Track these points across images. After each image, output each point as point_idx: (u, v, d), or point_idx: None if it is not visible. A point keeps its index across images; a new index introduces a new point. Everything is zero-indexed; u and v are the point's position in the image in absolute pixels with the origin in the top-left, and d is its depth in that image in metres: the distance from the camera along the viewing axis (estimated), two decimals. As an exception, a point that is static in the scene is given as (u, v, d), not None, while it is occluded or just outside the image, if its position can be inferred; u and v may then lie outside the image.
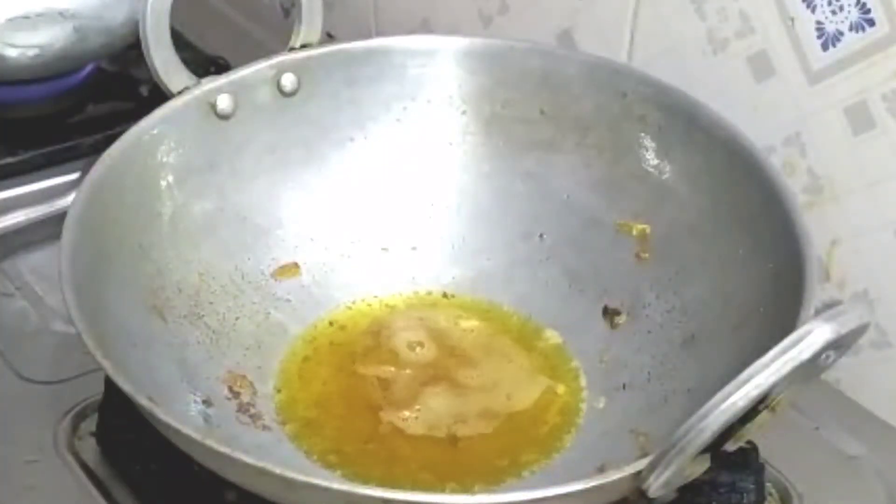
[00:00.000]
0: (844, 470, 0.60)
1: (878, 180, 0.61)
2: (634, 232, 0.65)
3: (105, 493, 0.57)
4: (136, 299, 0.58)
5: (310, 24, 0.67)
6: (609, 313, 0.64)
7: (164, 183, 0.62)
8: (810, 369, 0.43)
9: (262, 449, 0.57)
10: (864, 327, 0.43)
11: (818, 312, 0.44)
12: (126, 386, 0.48)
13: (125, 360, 0.53)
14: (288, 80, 0.66)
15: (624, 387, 0.61)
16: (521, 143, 0.68)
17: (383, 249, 0.68)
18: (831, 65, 0.61)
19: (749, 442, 0.54)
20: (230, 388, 0.60)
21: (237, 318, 0.63)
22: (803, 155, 0.64)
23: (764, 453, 0.57)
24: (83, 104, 0.83)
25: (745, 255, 0.59)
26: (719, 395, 0.43)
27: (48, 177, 0.77)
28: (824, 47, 0.61)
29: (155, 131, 0.62)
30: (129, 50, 0.80)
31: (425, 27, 0.85)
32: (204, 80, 0.64)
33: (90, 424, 0.60)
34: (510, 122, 0.68)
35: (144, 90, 0.84)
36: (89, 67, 0.83)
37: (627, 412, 0.59)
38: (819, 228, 0.62)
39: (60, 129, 0.80)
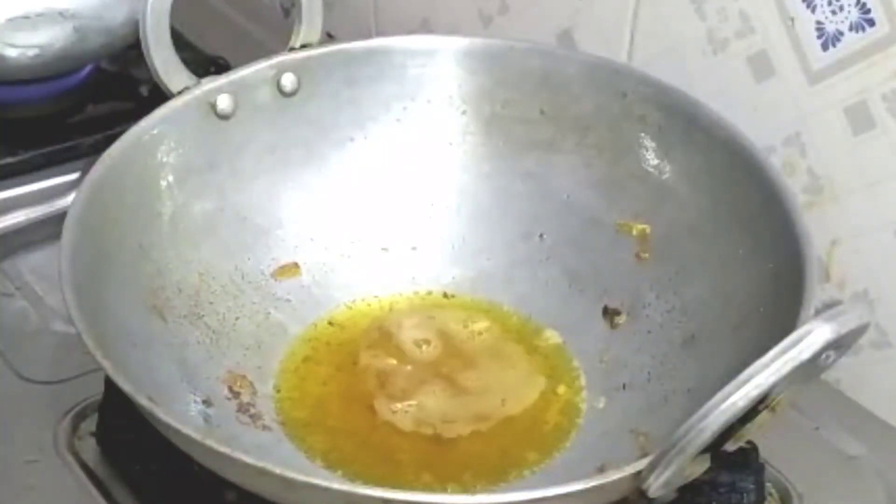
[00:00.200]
0: (844, 470, 0.60)
1: (878, 180, 0.61)
2: (634, 232, 0.65)
3: (105, 493, 0.57)
4: (136, 299, 0.58)
5: (310, 24, 0.67)
6: (609, 313, 0.64)
7: (164, 183, 0.62)
8: (810, 369, 0.43)
9: (262, 449, 0.57)
10: (864, 327, 0.43)
11: (818, 312, 0.44)
12: (126, 386, 0.48)
13: (125, 360, 0.53)
14: (288, 80, 0.66)
15: (624, 387, 0.61)
16: (521, 143, 0.68)
17: (383, 249, 0.68)
18: (831, 65, 0.61)
19: (749, 442, 0.54)
20: (230, 388, 0.60)
21: (237, 318, 0.63)
22: (803, 155, 0.64)
23: (764, 453, 0.57)
24: (83, 104, 0.83)
25: (745, 255, 0.59)
26: (719, 395, 0.43)
27: (48, 177, 0.77)
28: (824, 47, 0.61)
29: (155, 131, 0.62)
30: (129, 50, 0.80)
31: (425, 27, 0.85)
32: (204, 80, 0.64)
33: (90, 424, 0.60)
34: (510, 122, 0.68)
35: (144, 90, 0.84)
36: (89, 67, 0.83)
37: (627, 412, 0.59)
38: (819, 228, 0.62)
39: (60, 129, 0.80)
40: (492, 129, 0.69)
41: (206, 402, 0.58)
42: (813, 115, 0.63)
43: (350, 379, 0.62)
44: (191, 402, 0.57)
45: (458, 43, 0.68)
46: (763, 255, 0.58)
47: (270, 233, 0.66)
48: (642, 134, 0.65)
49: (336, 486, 0.46)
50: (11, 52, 0.76)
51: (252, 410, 0.59)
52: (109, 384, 0.58)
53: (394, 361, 0.63)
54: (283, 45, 0.67)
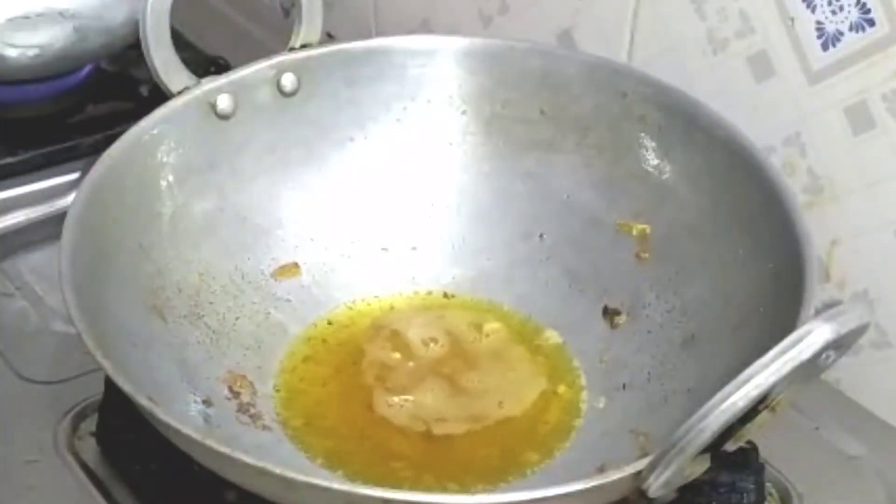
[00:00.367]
0: (844, 470, 0.60)
1: (878, 180, 0.61)
2: (634, 232, 0.65)
3: (105, 493, 0.57)
4: (136, 299, 0.58)
5: (310, 24, 0.67)
6: (609, 313, 0.64)
7: (164, 183, 0.62)
8: (810, 369, 0.43)
9: (262, 449, 0.57)
10: (864, 327, 0.43)
11: (818, 312, 0.44)
12: (126, 386, 0.48)
13: (125, 360, 0.53)
14: (288, 80, 0.66)
15: (624, 387, 0.61)
16: (521, 143, 0.68)
17: (383, 249, 0.68)
18: (831, 65, 0.61)
19: (749, 442, 0.54)
20: (230, 388, 0.60)
21: (237, 318, 0.63)
22: (803, 155, 0.64)
23: (764, 453, 0.57)
24: (83, 104, 0.83)
25: (745, 255, 0.59)
26: (719, 395, 0.43)
27: (48, 177, 0.77)
28: (824, 47, 0.61)
29: (155, 131, 0.62)
30: (129, 50, 0.80)
31: (425, 27, 0.85)
32: (204, 80, 0.64)
33: (90, 424, 0.60)
34: (510, 122, 0.68)
35: (144, 90, 0.84)
36: (89, 67, 0.83)
37: (627, 412, 0.59)
38: (819, 228, 0.62)
39: (60, 129, 0.80)
40: (492, 129, 0.69)
41: (206, 402, 0.58)
42: (813, 115, 0.63)
43: (350, 379, 0.62)
44: (191, 402, 0.57)
45: (458, 43, 0.69)
46: (763, 255, 0.58)
47: (270, 233, 0.66)
48: (642, 134, 0.65)
49: (336, 486, 0.46)
50: (11, 52, 0.76)
51: (252, 410, 0.59)
52: (109, 384, 0.58)
53: (398, 356, 0.63)
54: (283, 45, 0.67)
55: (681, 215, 0.63)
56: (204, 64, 0.81)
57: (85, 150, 0.77)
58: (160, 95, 0.63)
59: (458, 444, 0.59)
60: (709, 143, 0.62)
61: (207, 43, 0.87)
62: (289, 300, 0.65)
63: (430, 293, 0.67)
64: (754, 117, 0.64)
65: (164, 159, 0.62)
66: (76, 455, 0.59)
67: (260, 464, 0.45)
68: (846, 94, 0.61)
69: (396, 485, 0.55)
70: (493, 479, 0.57)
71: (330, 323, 0.65)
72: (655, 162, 0.65)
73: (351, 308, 0.66)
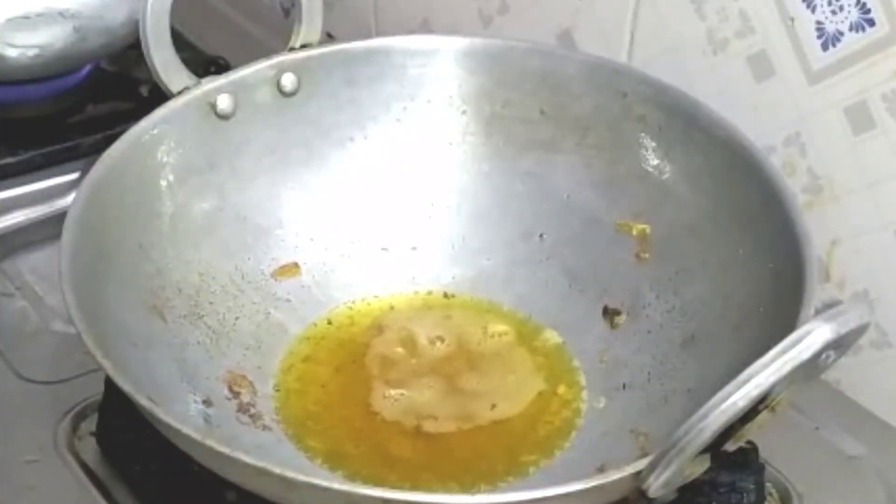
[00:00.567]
0: (844, 470, 0.60)
1: (878, 180, 0.61)
2: (634, 232, 0.65)
3: (105, 493, 0.57)
4: (136, 299, 0.58)
5: (310, 24, 0.67)
6: (609, 313, 0.64)
7: (164, 183, 0.62)
8: (810, 369, 0.43)
9: (262, 449, 0.57)
10: (864, 327, 0.43)
11: (818, 312, 0.44)
12: (126, 386, 0.48)
13: (125, 360, 0.53)
14: (288, 80, 0.66)
15: (624, 387, 0.61)
16: (521, 143, 0.68)
17: (383, 249, 0.68)
18: (831, 65, 0.61)
19: (749, 442, 0.54)
20: (230, 388, 0.60)
21: (237, 318, 0.63)
22: (803, 155, 0.64)
23: (764, 453, 0.57)
24: (83, 104, 0.83)
25: (745, 255, 0.59)
26: (719, 395, 0.43)
27: (48, 177, 0.77)
28: (824, 47, 0.61)
29: (155, 131, 0.62)
30: (129, 50, 0.80)
31: (425, 27, 0.85)
32: (204, 80, 0.64)
33: (90, 424, 0.60)
34: (510, 122, 0.68)
35: (144, 90, 0.84)
36: (89, 67, 0.83)
37: (627, 412, 0.59)
38: (819, 228, 0.62)
39: (60, 129, 0.80)
40: (492, 129, 0.69)
41: (206, 402, 0.58)
42: (813, 115, 0.63)
43: (350, 378, 0.62)
44: (191, 402, 0.57)
45: (458, 43, 0.69)
46: (763, 255, 0.58)
47: (270, 233, 0.66)
48: (642, 134, 0.65)
49: (336, 486, 0.46)
50: (11, 52, 0.76)
51: (252, 410, 0.59)
52: (109, 384, 0.58)
53: (402, 351, 0.63)
54: (283, 45, 0.67)
55: (681, 215, 0.63)
56: (204, 64, 0.81)
57: (85, 150, 0.77)
58: (160, 95, 0.63)
59: (458, 444, 0.59)
60: (709, 143, 0.62)
61: (207, 43, 0.87)
62: (289, 300, 0.65)
63: (430, 293, 0.67)
64: (754, 117, 0.65)
65: (164, 159, 0.62)
66: (76, 455, 0.59)
67: (260, 464, 0.45)
68: (846, 94, 0.61)
69: (396, 485, 0.55)
70: (493, 479, 0.57)
71: (330, 323, 0.65)
72: (655, 162, 0.65)
73: (351, 308, 0.66)
